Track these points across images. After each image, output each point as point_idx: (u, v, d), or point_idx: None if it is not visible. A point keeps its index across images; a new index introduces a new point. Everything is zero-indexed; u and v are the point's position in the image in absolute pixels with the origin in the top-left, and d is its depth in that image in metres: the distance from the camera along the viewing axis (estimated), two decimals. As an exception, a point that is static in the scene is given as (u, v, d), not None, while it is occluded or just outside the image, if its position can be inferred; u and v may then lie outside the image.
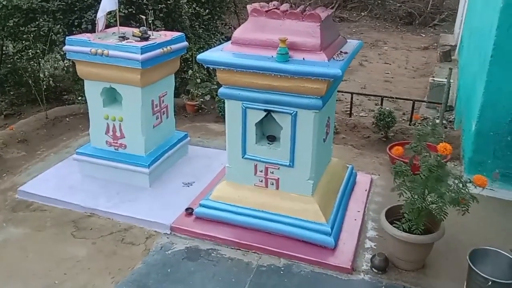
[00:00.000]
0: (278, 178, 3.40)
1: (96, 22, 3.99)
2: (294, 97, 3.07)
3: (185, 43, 4.16)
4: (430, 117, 6.96)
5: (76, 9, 5.86)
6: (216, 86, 6.29)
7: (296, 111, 3.12)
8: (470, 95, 5.04)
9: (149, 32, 3.95)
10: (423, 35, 13.65)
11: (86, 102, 5.89)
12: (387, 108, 5.27)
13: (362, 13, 15.43)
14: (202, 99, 6.06)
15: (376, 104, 7.90)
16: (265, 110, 3.21)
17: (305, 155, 3.25)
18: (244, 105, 3.24)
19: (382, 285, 2.99)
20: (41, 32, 5.67)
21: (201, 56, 3.15)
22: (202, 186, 4.03)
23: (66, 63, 6.41)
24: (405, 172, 2.88)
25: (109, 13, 4.05)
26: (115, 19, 4.62)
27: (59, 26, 5.64)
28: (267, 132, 3.45)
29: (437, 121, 6.62)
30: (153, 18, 4.02)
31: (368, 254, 3.27)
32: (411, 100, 6.32)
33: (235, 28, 7.81)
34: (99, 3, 5.68)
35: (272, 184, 3.44)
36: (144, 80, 3.74)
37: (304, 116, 3.11)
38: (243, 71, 3.06)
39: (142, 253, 3.32)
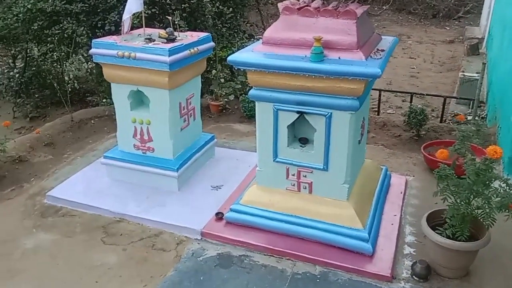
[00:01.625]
0: (311, 182, 3.28)
1: (121, 24, 3.93)
2: (329, 98, 2.95)
3: (212, 44, 4.07)
4: (461, 113, 6.74)
5: (99, 10, 5.82)
6: (240, 86, 6.20)
7: (331, 113, 2.99)
8: (506, 90, 4.82)
9: (175, 33, 3.87)
10: (448, 28, 13.29)
11: (111, 104, 5.94)
12: (419, 105, 5.08)
13: (384, 7, 15.11)
14: (226, 99, 5.97)
15: (403, 101, 7.70)
16: (297, 112, 3.10)
17: (340, 158, 3.12)
18: (275, 107, 3.13)
19: (425, 294, 2.86)
20: (65, 35, 5.65)
21: (231, 58, 3.05)
22: (230, 189, 3.94)
23: (90, 65, 6.39)
24: (449, 175, 2.72)
25: (133, 14, 3.98)
26: (138, 20, 4.57)
27: (82, 28, 5.61)
28: (299, 134, 3.33)
29: (469, 117, 6.40)
30: (178, 18, 3.92)
31: (408, 261, 3.13)
32: (442, 96, 6.10)
33: (257, 26, 7.71)
34: (122, 5, 5.70)
35: (305, 188, 3.32)
36: (172, 82, 3.66)
37: (340, 118, 2.99)
38: (275, 72, 2.95)
39: (173, 259, 3.25)
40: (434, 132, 5.27)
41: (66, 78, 5.37)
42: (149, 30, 4.10)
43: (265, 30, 7.43)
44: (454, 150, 2.82)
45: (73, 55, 5.57)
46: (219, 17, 6.16)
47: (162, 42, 3.73)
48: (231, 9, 5.97)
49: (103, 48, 3.71)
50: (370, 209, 3.38)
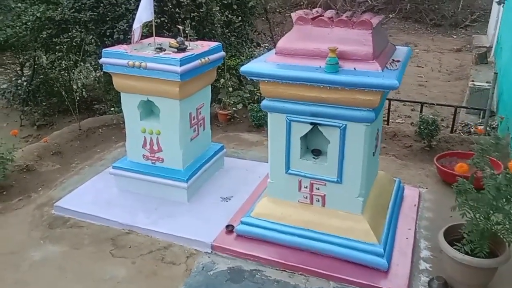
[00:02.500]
0: (325, 195, 3.22)
1: (131, 32, 3.90)
2: (343, 110, 2.89)
3: (222, 53, 4.03)
4: (471, 124, 6.66)
5: (108, 19, 5.81)
6: (248, 95, 6.16)
7: (346, 124, 2.94)
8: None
9: (186, 43, 3.83)
10: (455, 37, 13.24)
11: (119, 113, 5.93)
12: (430, 115, 5.01)
13: (390, 15, 15.07)
14: (234, 108, 5.93)
15: (412, 110, 7.63)
16: (311, 123, 3.04)
17: (354, 171, 3.06)
18: (288, 118, 3.08)
19: (443, 312, 2.77)
20: (74, 43, 5.64)
21: (245, 68, 3.00)
22: (240, 201, 3.88)
23: (98, 73, 6.38)
24: (468, 190, 2.65)
25: (144, 23, 3.95)
26: (147, 29, 4.54)
27: (91, 36, 5.59)
28: (311, 146, 3.27)
29: (480, 127, 6.32)
30: (189, 28, 3.89)
31: (424, 277, 3.05)
32: (452, 106, 6.03)
33: (264, 35, 7.68)
34: (131, 13, 5.70)
35: (318, 201, 3.25)
36: (183, 92, 3.62)
37: (355, 129, 2.93)
38: (289, 83, 2.90)
39: (183, 273, 3.18)
40: (446, 143, 5.19)
41: (75, 86, 5.34)
42: (159, 39, 4.07)
43: (272, 39, 7.41)
44: (473, 164, 2.75)
45: (81, 64, 5.54)
46: (227, 26, 6.14)
47: (173, 52, 3.69)
48: (240, 17, 5.94)
49: (113, 58, 3.67)
50: (385, 222, 3.31)
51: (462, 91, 8.62)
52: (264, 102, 3.12)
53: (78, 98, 5.48)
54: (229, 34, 6.01)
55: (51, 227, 3.77)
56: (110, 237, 3.59)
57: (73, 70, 5.35)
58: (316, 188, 3.22)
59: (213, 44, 3.97)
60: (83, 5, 5.78)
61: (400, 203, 3.75)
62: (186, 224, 3.59)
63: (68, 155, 5.10)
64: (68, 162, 4.93)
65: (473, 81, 7.12)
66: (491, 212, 2.65)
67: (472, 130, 6.38)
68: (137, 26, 3.82)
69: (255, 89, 6.16)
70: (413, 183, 4.21)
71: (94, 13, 5.72)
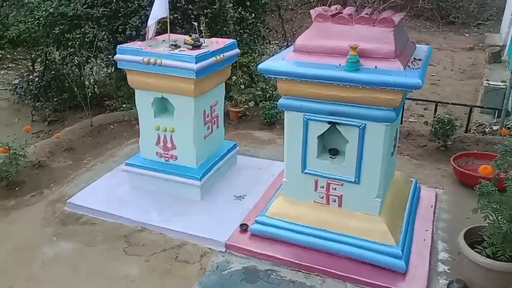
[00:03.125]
0: (341, 195, 3.17)
1: (146, 29, 3.87)
2: (363, 109, 2.84)
3: (237, 50, 3.99)
4: (486, 123, 6.58)
5: (120, 15, 5.79)
6: (260, 92, 6.11)
7: (365, 124, 2.88)
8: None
9: (201, 40, 3.79)
10: (467, 35, 13.09)
11: (131, 109, 5.91)
12: (446, 115, 4.94)
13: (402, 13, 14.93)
14: (246, 106, 5.88)
15: (425, 109, 7.55)
16: (329, 123, 2.99)
17: (373, 171, 3.01)
18: (306, 116, 3.03)
19: (463, 316, 2.72)
20: (86, 39, 5.62)
21: (263, 66, 2.95)
22: (254, 199, 3.84)
23: (109, 69, 6.36)
24: (491, 192, 2.59)
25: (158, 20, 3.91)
26: (160, 25, 4.50)
27: (104, 32, 5.57)
28: (328, 145, 3.22)
29: (495, 127, 6.23)
30: (204, 25, 3.84)
31: (443, 279, 2.99)
32: (467, 105, 5.95)
33: (276, 32, 7.62)
34: (144, 9, 5.67)
35: (335, 201, 3.21)
36: (198, 90, 3.58)
37: (374, 129, 2.88)
38: (307, 81, 2.85)
39: (197, 272, 3.15)
40: (461, 143, 5.11)
41: (87, 82, 5.33)
42: (174, 36, 4.03)
43: (285, 36, 7.35)
44: (496, 165, 2.69)
45: (93, 60, 5.52)
46: (239, 23, 6.09)
47: (188, 49, 3.65)
48: (253, 14, 5.89)
49: (128, 54, 3.64)
50: (402, 224, 3.26)
51: (475, 90, 8.51)
52: (281, 101, 3.07)
53: (90, 94, 5.46)
54: (241, 31, 5.95)
55: (64, 223, 3.75)
56: (123, 234, 3.57)
57: (85, 66, 5.32)
58: (333, 188, 3.17)
59: (228, 41, 3.93)
60: (95, 1, 5.75)
61: (417, 204, 3.69)
62: (199, 223, 3.56)
63: (79, 151, 5.09)
64: (79, 159, 4.92)
65: (487, 80, 7.02)
66: (515, 214, 2.59)
67: (486, 130, 6.29)
68: (152, 22, 3.79)
69: (267, 87, 6.11)
70: (429, 184, 4.14)
71: (107, 9, 5.69)
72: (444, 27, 13.80)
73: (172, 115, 3.82)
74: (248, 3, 5.85)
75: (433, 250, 3.24)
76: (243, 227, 3.46)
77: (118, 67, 3.81)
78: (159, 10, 3.78)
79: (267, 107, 5.58)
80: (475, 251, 2.73)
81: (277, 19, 8.24)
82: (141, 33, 5.67)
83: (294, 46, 3.01)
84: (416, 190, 3.76)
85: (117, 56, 3.70)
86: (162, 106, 3.91)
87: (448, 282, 2.93)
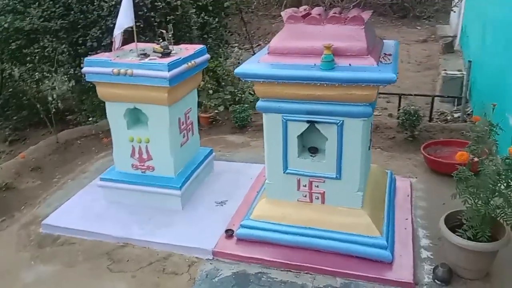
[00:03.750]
0: (324, 192, 3.22)
1: (113, 39, 3.78)
2: (340, 106, 2.90)
3: (207, 56, 3.98)
4: (447, 112, 6.85)
5: (79, 27, 5.63)
6: (229, 96, 6.11)
7: (343, 120, 2.94)
8: (497, 87, 4.90)
9: (170, 47, 3.75)
10: (419, 28, 13.57)
11: (96, 123, 5.76)
12: (412, 106, 5.11)
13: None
14: (216, 111, 5.86)
15: (387, 102, 7.76)
16: (307, 122, 3.03)
17: (353, 166, 3.07)
18: (284, 117, 3.06)
19: (450, 298, 2.83)
20: (45, 53, 5.43)
21: (239, 70, 2.96)
22: (236, 204, 3.83)
23: (71, 83, 6.16)
24: (468, 177, 2.71)
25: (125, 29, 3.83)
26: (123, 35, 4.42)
27: (63, 45, 5.40)
28: (308, 144, 3.26)
29: (456, 115, 6.51)
30: (172, 32, 3.80)
31: (427, 265, 3.09)
32: (430, 95, 6.18)
33: (238, 35, 7.64)
34: (104, 20, 5.54)
35: (317, 198, 3.25)
36: (171, 98, 3.54)
37: (352, 125, 2.94)
38: (285, 83, 2.87)
39: (187, 283, 3.11)
40: (427, 132, 5.31)
41: (49, 98, 5.14)
42: (141, 45, 3.97)
43: (249, 39, 7.37)
44: (470, 151, 2.81)
45: (55, 74, 5.34)
46: (202, 28, 6.06)
47: (158, 57, 3.60)
48: (216, 19, 5.88)
49: (96, 66, 3.55)
50: (384, 215, 3.34)
51: (433, 80, 8.83)
52: (259, 103, 3.09)
53: (54, 109, 5.27)
54: (205, 36, 5.93)
55: (41, 246, 3.61)
56: (105, 251, 3.47)
57: (47, 81, 5.14)
58: (315, 186, 3.21)
59: (197, 47, 3.91)
60: (52, 14, 5.57)
61: (394, 194, 3.79)
62: (183, 232, 3.51)
63: (48, 170, 4.91)
64: (49, 177, 4.75)
65: (445, 70, 7.31)
66: (491, 197, 2.71)
67: (448, 118, 6.56)
68: (118, 32, 3.71)
69: (236, 90, 6.12)
70: (402, 174, 4.27)
71: (65, 21, 5.52)
72: (397, 22, 14.24)
73: (145, 125, 3.76)
74: (210, 8, 5.83)
75: (415, 238, 3.34)
76: (229, 233, 3.44)
77: (87, 80, 3.71)
78: (125, 19, 3.70)
79: (238, 110, 5.58)
80: (456, 235, 2.84)
81: (237, 22, 8.28)
82: (102, 44, 5.55)
83: (269, 49, 3.03)
84: (392, 181, 3.87)
85: (85, 69, 3.60)
86: (135, 117, 3.83)
87: (433, 267, 3.02)
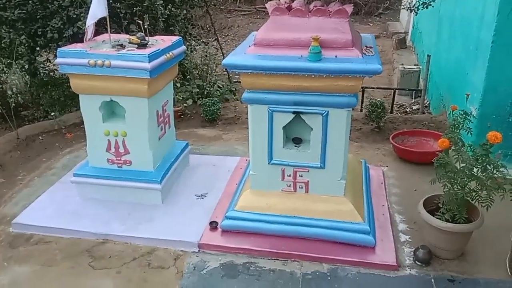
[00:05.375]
0: (308, 181, 3.29)
1: (85, 30, 3.64)
2: (326, 97, 2.97)
3: (184, 47, 3.93)
4: (405, 104, 7.17)
5: (38, 17, 5.36)
6: (197, 90, 6.05)
7: (328, 111, 3.02)
8: (455, 81, 5.20)
9: (146, 38, 3.67)
10: (371, 24, 14.06)
11: (59, 118, 5.52)
12: (378, 99, 5.32)
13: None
14: (185, 104, 5.79)
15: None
16: (293, 112, 3.08)
17: (337, 155, 3.16)
18: (270, 108, 3.09)
19: (431, 277, 2.99)
20: (2, 44, 5.12)
21: (227, 61, 2.95)
22: (216, 196, 3.83)
23: (27, 77, 5.85)
24: (448, 163, 2.87)
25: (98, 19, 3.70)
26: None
27: (22, 37, 5.12)
28: (291, 134, 3.32)
29: (414, 107, 6.83)
30: (147, 22, 3.72)
31: (407, 248, 3.25)
32: (391, 88, 6.44)
33: (203, 28, 7.57)
34: (65, 10, 5.31)
35: (301, 187, 3.32)
36: (151, 90, 3.47)
37: (337, 115, 3.02)
38: (272, 74, 2.90)
39: (175, 276, 3.08)
40: (391, 123, 5.53)
41: (9, 92, 4.86)
42: (114, 36, 3.85)
43: (215, 32, 7.31)
44: (447, 138, 2.97)
45: (13, 67, 5.05)
46: (167, 20, 5.95)
47: (135, 48, 3.51)
48: (184, 11, 5.80)
49: (71, 57, 3.40)
50: (363, 202, 3.47)
51: (388, 74, 9.20)
52: (245, 95, 3.10)
53: (14, 104, 5.00)
54: (171, 28, 5.83)
55: (13, 246, 3.43)
56: (85, 249, 3.36)
57: (6, 74, 4.85)
58: (299, 176, 3.28)
59: (174, 38, 3.85)
60: (8, 3, 5.27)
61: (369, 182, 3.94)
62: (166, 226, 3.47)
63: (10, 167, 4.65)
64: (12, 175, 4.50)
65: (402, 64, 7.64)
66: (467, 181, 2.89)
67: (407, 109, 6.87)
68: (91, 22, 3.57)
69: (204, 83, 6.07)
70: (373, 163, 4.44)
71: (22, 11, 5.23)
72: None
73: (122, 118, 3.65)
74: (177, 0, 5.74)
75: (392, 223, 3.50)
76: (213, 225, 3.44)
77: (60, 71, 3.55)
78: (98, 9, 3.58)
79: (207, 104, 5.55)
80: (435, 217, 3.01)
81: (196, 15, 8.18)
82: (64, 35, 5.32)
83: (255, 40, 3.04)
84: (366, 169, 4.02)
85: (58, 60, 3.44)
86: (109, 110, 3.73)
87: (412, 249, 3.19)
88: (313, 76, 2.86)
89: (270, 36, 3.00)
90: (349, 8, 3.02)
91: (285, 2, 3.30)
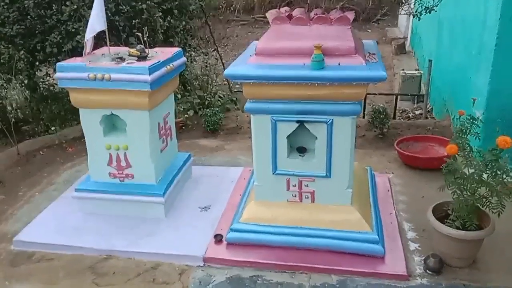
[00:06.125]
0: (314, 191, 3.23)
1: (84, 44, 3.62)
2: (330, 105, 2.92)
3: (184, 59, 3.90)
4: (408, 109, 7.13)
5: (37, 32, 5.35)
6: (198, 100, 6.02)
7: (332, 119, 2.97)
8: (458, 85, 5.16)
9: (146, 50, 3.63)
10: (369, 31, 14.08)
11: (59, 132, 5.48)
12: (381, 105, 5.28)
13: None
14: (186, 115, 5.76)
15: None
16: (297, 121, 3.03)
17: (342, 164, 3.11)
18: (274, 118, 3.04)
19: (443, 287, 2.92)
20: (1, 60, 5.10)
21: (229, 72, 2.91)
22: (220, 208, 3.76)
23: (27, 92, 5.83)
24: (457, 169, 2.82)
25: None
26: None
27: (21, 52, 5.10)
28: (295, 144, 3.27)
29: (417, 112, 6.79)
30: (147, 35, 3.69)
31: (417, 256, 3.18)
32: (394, 94, 6.40)
33: (201, 39, 7.56)
34: (63, 25, 5.29)
35: (307, 197, 3.26)
36: (151, 102, 3.43)
37: (341, 123, 2.98)
38: (275, 83, 2.86)
39: (181, 292, 3.02)
40: (395, 129, 5.49)
41: (9, 107, 4.83)
42: (113, 49, 3.82)
43: (214, 42, 7.29)
44: (455, 144, 2.91)
45: (13, 82, 5.03)
46: (167, 32, 5.94)
47: (135, 61, 3.48)
48: (183, 22, 5.78)
49: (70, 72, 3.37)
50: (371, 210, 3.41)
51: (389, 80, 9.16)
52: (248, 105, 3.05)
53: (13, 120, 4.97)
54: (170, 40, 5.81)
55: (14, 264, 3.37)
56: (88, 265, 3.29)
57: (6, 90, 4.83)
58: (305, 185, 3.22)
59: (174, 50, 3.82)
60: (6, 18, 5.25)
61: (376, 190, 3.88)
62: (170, 240, 3.41)
63: (11, 184, 4.60)
64: (13, 191, 4.45)
65: (403, 69, 7.61)
66: (477, 187, 2.83)
67: (410, 115, 6.83)
68: (90, 36, 3.55)
69: (205, 94, 6.04)
70: (379, 170, 4.38)
71: (22, 27, 5.22)
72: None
73: (122, 132, 3.61)
74: (176, 11, 5.72)
75: (401, 231, 3.43)
76: (218, 238, 3.37)
77: (59, 86, 3.52)
78: (97, 22, 3.56)
79: (209, 114, 5.52)
80: (445, 225, 2.95)
81: (195, 26, 8.18)
82: (63, 49, 5.30)
83: (256, 50, 3.00)
84: (372, 177, 3.96)
85: (57, 75, 3.41)
86: (110, 124, 3.68)
87: (422, 258, 3.12)
88: (316, 84, 2.82)
89: (272, 45, 2.97)
90: (351, 15, 2.99)
91: (286, 11, 3.28)
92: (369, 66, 2.82)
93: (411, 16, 10.49)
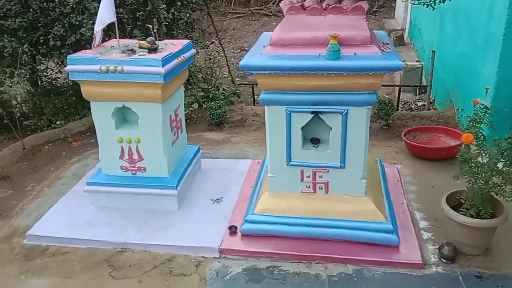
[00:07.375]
0: (328, 182, 3.25)
1: (93, 36, 3.59)
2: (346, 95, 2.94)
3: (194, 51, 3.88)
4: (410, 101, 7.16)
5: (39, 25, 5.29)
6: (202, 93, 6.00)
7: (348, 109, 2.98)
8: (462, 75, 5.18)
9: (157, 42, 3.61)
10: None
11: (64, 126, 5.45)
12: (386, 96, 5.29)
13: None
14: (191, 108, 5.74)
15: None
16: (312, 112, 3.04)
17: (357, 154, 3.13)
18: (288, 109, 3.05)
19: (458, 274, 2.95)
20: (5, 54, 5.05)
21: (244, 63, 2.91)
22: (233, 200, 3.78)
23: (28, 86, 5.77)
24: (472, 158, 2.84)
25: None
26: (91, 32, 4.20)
27: (25, 45, 5.05)
28: (309, 135, 3.28)
29: (419, 103, 6.81)
30: (157, 27, 3.67)
31: (431, 245, 3.22)
32: (397, 85, 6.42)
33: (202, 32, 7.52)
34: (66, 17, 5.24)
35: (321, 188, 3.28)
36: (164, 95, 3.42)
37: (357, 113, 2.99)
38: (291, 74, 2.86)
39: (198, 283, 3.03)
40: (400, 120, 5.51)
41: (14, 101, 4.79)
42: (122, 41, 3.79)
43: (217, 34, 7.26)
44: (469, 132, 2.93)
45: (17, 76, 4.97)
46: (171, 24, 5.90)
47: (146, 53, 3.46)
48: (188, 14, 5.75)
49: (81, 64, 3.35)
50: (384, 200, 3.43)
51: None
52: (263, 96, 3.05)
53: (19, 114, 4.93)
54: (174, 32, 5.78)
55: (29, 259, 3.36)
56: (103, 259, 3.30)
57: (10, 84, 4.78)
58: (319, 176, 3.24)
59: (184, 41, 3.80)
60: (8, 12, 5.19)
61: (386, 180, 3.90)
62: (185, 232, 3.42)
63: (18, 178, 4.58)
64: (21, 186, 4.43)
65: (405, 61, 7.61)
66: (491, 176, 2.86)
67: (412, 106, 6.86)
68: (99, 28, 3.52)
69: (209, 87, 6.02)
70: (387, 161, 4.40)
71: (24, 20, 5.16)
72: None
73: (134, 124, 3.60)
74: (179, 3, 5.68)
75: (413, 221, 3.46)
76: (232, 229, 3.39)
77: (70, 78, 3.50)
78: (107, 14, 3.53)
79: (214, 107, 5.51)
80: (460, 213, 2.98)
81: (195, 18, 8.14)
82: (67, 42, 5.26)
83: (271, 40, 3.00)
84: (382, 168, 3.98)
85: (68, 67, 3.39)
86: (121, 117, 3.67)
87: (436, 247, 3.15)
88: (332, 74, 2.82)
89: (287, 35, 2.96)
90: (365, 5, 2.99)
91: (298, 1, 3.27)
92: (385, 55, 2.83)
93: (409, 7, 10.49)
